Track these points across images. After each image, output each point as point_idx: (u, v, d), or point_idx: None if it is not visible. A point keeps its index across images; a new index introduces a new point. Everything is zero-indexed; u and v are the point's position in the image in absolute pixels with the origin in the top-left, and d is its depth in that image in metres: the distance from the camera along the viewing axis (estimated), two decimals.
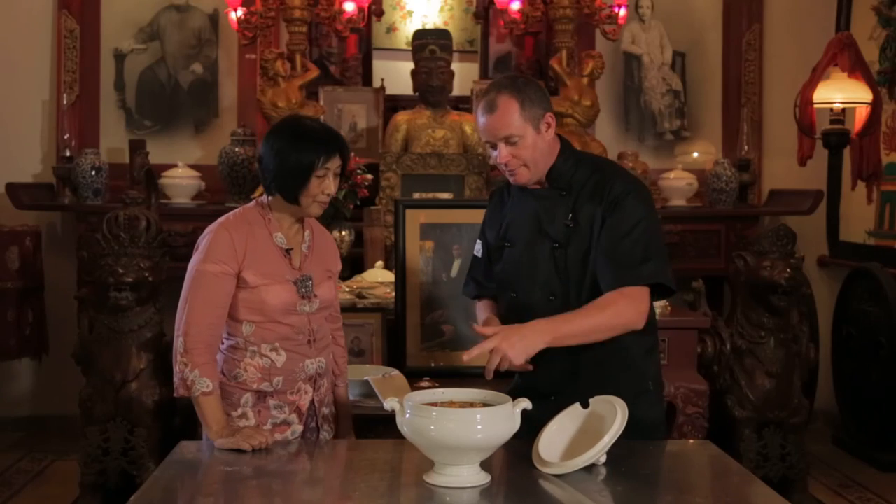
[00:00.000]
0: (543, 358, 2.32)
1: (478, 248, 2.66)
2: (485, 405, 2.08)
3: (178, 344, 2.41)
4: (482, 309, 2.64)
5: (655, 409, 2.50)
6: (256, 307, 2.45)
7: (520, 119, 2.37)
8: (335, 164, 2.46)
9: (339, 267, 2.72)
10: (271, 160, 2.46)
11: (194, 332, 2.40)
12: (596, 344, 2.36)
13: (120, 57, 5.58)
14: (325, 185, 2.45)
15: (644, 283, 2.36)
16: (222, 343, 2.50)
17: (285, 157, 2.43)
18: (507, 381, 2.58)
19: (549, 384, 2.40)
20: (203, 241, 2.48)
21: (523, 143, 2.38)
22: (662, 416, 2.57)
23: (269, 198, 2.52)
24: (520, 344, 2.26)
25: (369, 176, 4.52)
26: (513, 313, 2.47)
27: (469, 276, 2.71)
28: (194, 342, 2.39)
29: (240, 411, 2.47)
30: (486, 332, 2.32)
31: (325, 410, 2.62)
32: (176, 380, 2.42)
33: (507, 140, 2.38)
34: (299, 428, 2.53)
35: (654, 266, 2.36)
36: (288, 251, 2.51)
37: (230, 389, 2.47)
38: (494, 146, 2.42)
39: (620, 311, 2.34)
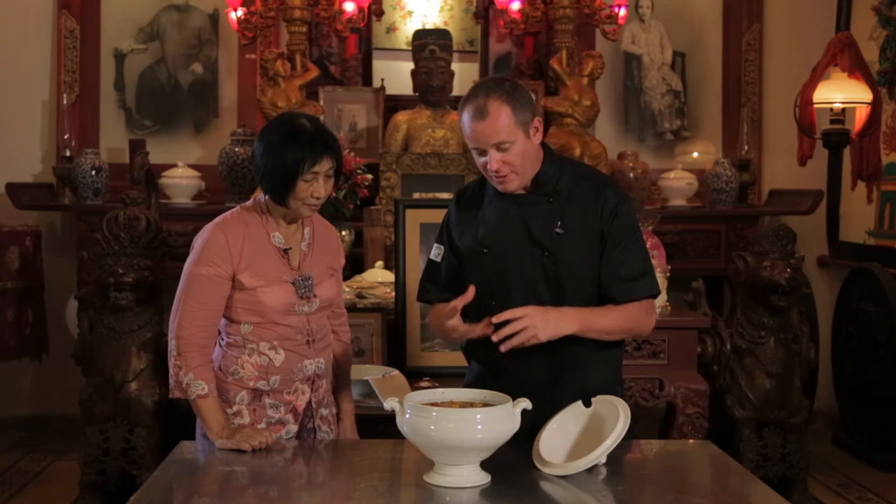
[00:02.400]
0: (529, 356, 2.32)
1: (436, 252, 2.51)
2: (485, 405, 2.08)
3: (171, 346, 2.40)
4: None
5: None
6: (254, 308, 2.43)
7: (512, 125, 2.29)
8: (324, 167, 2.38)
9: (342, 262, 2.65)
10: (259, 159, 2.41)
11: (187, 334, 2.38)
12: (576, 347, 2.35)
13: (120, 57, 5.58)
14: (313, 189, 2.38)
15: (648, 295, 2.41)
16: (220, 340, 2.48)
17: (271, 159, 2.37)
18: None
19: (531, 382, 2.36)
20: (198, 241, 2.44)
21: (514, 149, 2.30)
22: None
23: (266, 196, 2.47)
24: (553, 322, 2.26)
25: (369, 176, 4.52)
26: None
27: (425, 281, 2.55)
28: (187, 345, 2.38)
29: (235, 408, 2.45)
30: (518, 311, 2.25)
31: (325, 412, 2.57)
32: (171, 382, 2.41)
33: (499, 146, 2.30)
34: (294, 428, 2.50)
35: (653, 277, 2.42)
36: (286, 251, 2.47)
37: (226, 386, 2.45)
38: (482, 152, 2.33)
39: (637, 317, 2.40)
